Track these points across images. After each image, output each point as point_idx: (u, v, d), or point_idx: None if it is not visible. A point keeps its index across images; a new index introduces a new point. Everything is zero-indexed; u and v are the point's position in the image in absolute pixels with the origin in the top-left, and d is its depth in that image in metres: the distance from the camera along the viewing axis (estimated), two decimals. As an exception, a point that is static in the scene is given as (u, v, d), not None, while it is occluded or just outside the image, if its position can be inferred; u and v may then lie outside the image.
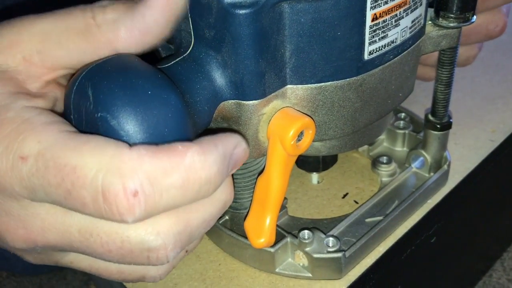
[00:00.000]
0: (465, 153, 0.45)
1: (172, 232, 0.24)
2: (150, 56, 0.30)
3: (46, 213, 0.24)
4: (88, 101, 0.24)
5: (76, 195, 0.22)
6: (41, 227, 0.24)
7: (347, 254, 0.35)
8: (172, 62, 0.28)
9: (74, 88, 0.24)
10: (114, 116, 0.23)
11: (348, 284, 0.35)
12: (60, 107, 0.28)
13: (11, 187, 0.23)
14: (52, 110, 0.26)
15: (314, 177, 0.44)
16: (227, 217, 0.38)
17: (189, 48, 0.28)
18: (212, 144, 0.24)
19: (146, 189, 0.22)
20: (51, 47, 0.26)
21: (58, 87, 0.28)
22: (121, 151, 0.22)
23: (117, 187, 0.22)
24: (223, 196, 0.26)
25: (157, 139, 0.24)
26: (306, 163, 0.42)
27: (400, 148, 0.45)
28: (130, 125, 0.23)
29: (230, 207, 0.37)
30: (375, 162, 0.43)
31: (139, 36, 0.26)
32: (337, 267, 0.35)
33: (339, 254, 0.34)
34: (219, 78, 0.28)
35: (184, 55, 0.28)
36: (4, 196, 0.24)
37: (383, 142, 0.45)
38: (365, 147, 0.45)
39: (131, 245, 0.24)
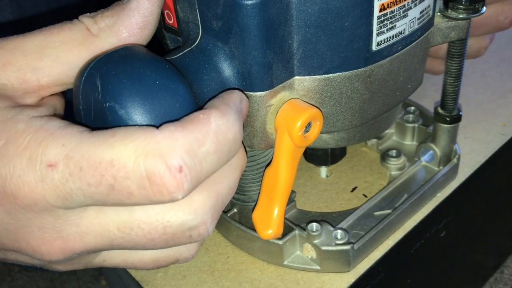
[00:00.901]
0: (475, 147, 0.45)
1: (207, 206, 0.25)
2: (158, 48, 0.30)
3: (80, 217, 0.24)
4: (97, 91, 0.24)
5: (120, 188, 0.22)
6: (77, 232, 0.24)
7: (356, 246, 0.35)
8: (180, 54, 0.28)
9: (83, 78, 0.25)
10: (123, 105, 0.23)
11: (357, 277, 0.35)
12: (60, 114, 0.28)
13: (44, 199, 0.22)
14: None
15: (323, 170, 0.44)
16: (235, 210, 0.38)
17: (196, 39, 0.28)
18: (226, 104, 0.25)
19: (188, 162, 0.22)
20: (47, 64, 0.26)
21: (56, 97, 0.28)
22: (152, 133, 0.22)
23: (161, 167, 0.22)
24: (240, 160, 0.27)
25: (165, 128, 0.24)
26: (315, 156, 0.42)
27: (410, 142, 0.45)
28: (138, 115, 0.23)
29: (239, 200, 0.37)
30: (384, 156, 0.43)
31: (139, 31, 0.26)
32: (346, 260, 0.35)
33: (348, 247, 0.34)
34: (226, 69, 0.28)
35: (191, 47, 0.28)
36: (35, 211, 0.23)
37: (392, 136, 0.45)
38: (374, 141, 0.45)
39: (173, 229, 0.24)
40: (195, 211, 0.24)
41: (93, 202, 0.23)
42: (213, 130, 0.23)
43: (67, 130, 0.23)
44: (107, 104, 0.23)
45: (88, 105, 0.25)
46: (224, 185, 0.26)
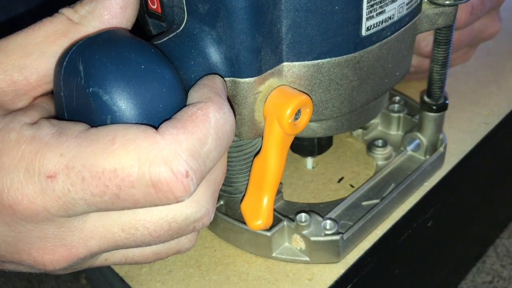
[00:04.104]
0: (460, 137, 0.45)
1: (208, 196, 0.25)
2: (141, 35, 0.29)
3: (83, 222, 0.23)
4: (79, 76, 0.23)
5: (125, 196, 0.22)
6: (81, 238, 0.24)
7: (345, 236, 0.34)
8: (165, 39, 0.27)
9: (64, 63, 0.23)
10: (107, 91, 0.22)
11: (347, 267, 0.35)
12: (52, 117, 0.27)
13: (45, 210, 0.22)
14: None
15: (309, 161, 0.43)
16: (222, 202, 0.37)
17: (182, 24, 0.27)
18: (217, 94, 0.24)
19: (193, 165, 0.22)
20: (33, 61, 0.25)
21: (49, 98, 0.27)
22: (154, 139, 0.22)
23: (167, 174, 0.21)
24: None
25: (151, 115, 0.23)
26: (301, 147, 0.41)
27: (395, 132, 0.44)
28: (123, 100, 0.22)
29: (225, 191, 0.36)
30: (370, 146, 0.43)
31: (121, 11, 0.26)
32: (335, 250, 0.34)
33: (337, 237, 0.34)
34: (213, 54, 0.27)
35: (177, 31, 0.27)
36: (36, 222, 0.22)
37: (377, 126, 0.45)
38: (360, 131, 0.45)
39: (178, 224, 0.24)
40: (198, 203, 0.24)
41: (97, 210, 0.22)
42: (213, 126, 0.23)
43: (62, 137, 0.22)
44: (91, 90, 0.22)
45: (70, 91, 0.23)
46: (218, 171, 0.26)
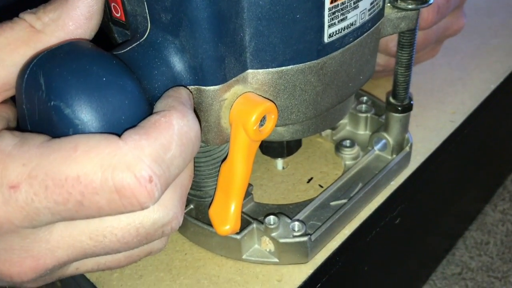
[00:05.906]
0: (426, 135, 0.46)
1: (175, 200, 0.25)
2: (105, 42, 0.29)
3: (49, 233, 0.23)
4: (40, 90, 0.23)
5: (89, 204, 0.22)
6: (48, 248, 0.23)
7: (313, 237, 0.35)
8: (128, 48, 0.27)
9: (25, 76, 0.23)
10: (68, 104, 0.22)
11: (315, 267, 0.36)
12: (13, 126, 0.27)
13: (9, 221, 0.22)
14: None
15: (279, 162, 0.43)
16: (192, 206, 0.37)
17: (145, 33, 0.27)
18: (182, 103, 0.24)
19: (157, 171, 0.22)
20: None
21: (9, 106, 0.26)
22: (116, 145, 0.22)
23: (131, 180, 0.21)
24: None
25: (113, 127, 0.23)
26: (271, 149, 0.42)
27: (363, 132, 0.45)
28: (84, 114, 0.22)
29: (195, 195, 0.36)
30: (339, 146, 0.43)
31: (86, 22, 0.25)
32: (303, 251, 0.35)
33: (305, 238, 0.34)
34: (177, 63, 0.27)
35: (140, 40, 0.27)
36: (0, 234, 0.22)
37: (346, 126, 0.46)
38: (328, 131, 0.45)
39: (145, 229, 0.24)
40: (165, 207, 0.24)
41: (61, 219, 0.22)
42: (177, 133, 0.23)
43: (25, 148, 0.22)
44: (52, 103, 0.22)
45: (32, 104, 0.23)
46: (185, 175, 0.26)
